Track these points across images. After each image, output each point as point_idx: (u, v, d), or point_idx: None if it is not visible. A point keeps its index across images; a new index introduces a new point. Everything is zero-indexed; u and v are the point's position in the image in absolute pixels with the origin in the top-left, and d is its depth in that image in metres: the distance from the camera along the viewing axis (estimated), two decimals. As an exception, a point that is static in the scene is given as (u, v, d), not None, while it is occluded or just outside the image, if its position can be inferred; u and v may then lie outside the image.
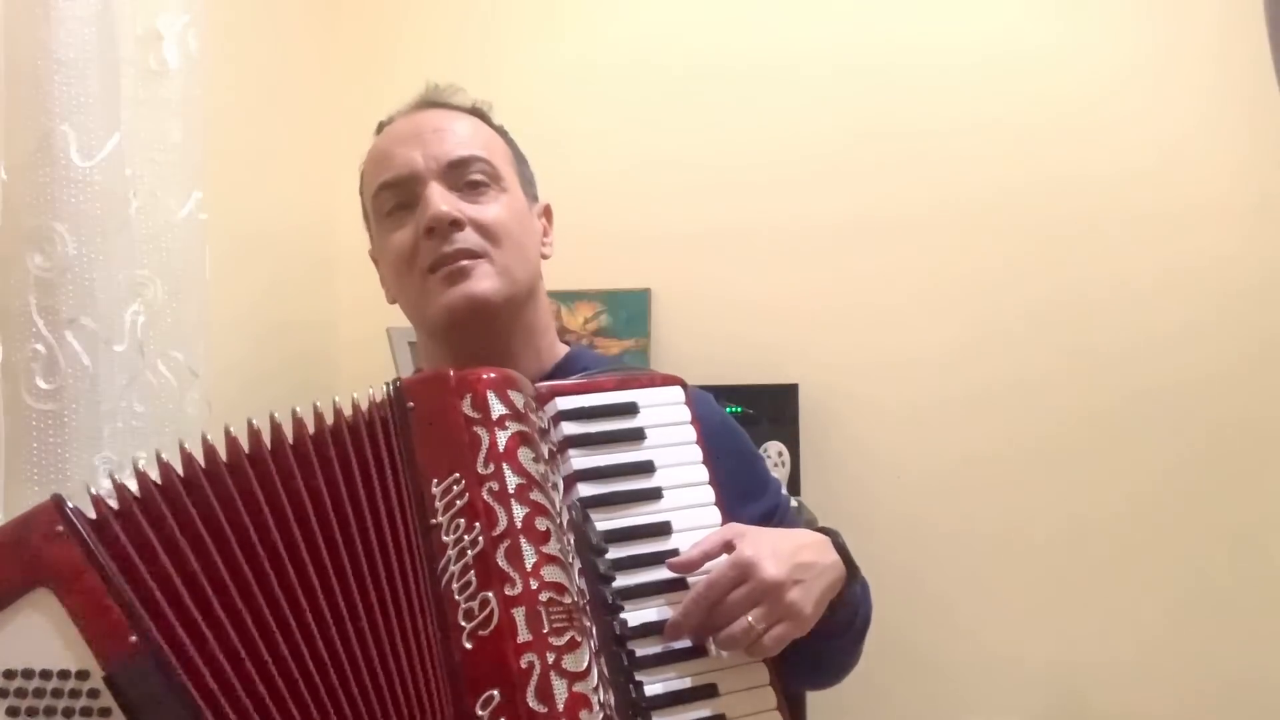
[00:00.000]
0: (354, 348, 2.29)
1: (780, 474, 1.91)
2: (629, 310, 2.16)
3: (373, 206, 1.08)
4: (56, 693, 0.69)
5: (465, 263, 1.00)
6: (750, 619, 0.83)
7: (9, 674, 0.70)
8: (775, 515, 1.04)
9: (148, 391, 1.35)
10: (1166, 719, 1.94)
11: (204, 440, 0.81)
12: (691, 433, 0.93)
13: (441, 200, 1.00)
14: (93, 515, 0.76)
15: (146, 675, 0.70)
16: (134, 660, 0.70)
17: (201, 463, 0.80)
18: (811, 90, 2.15)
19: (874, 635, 1.03)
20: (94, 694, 0.69)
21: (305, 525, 0.79)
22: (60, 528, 0.74)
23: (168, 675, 0.71)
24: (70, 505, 0.76)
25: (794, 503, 1.21)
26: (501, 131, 1.12)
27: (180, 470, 0.79)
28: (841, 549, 0.95)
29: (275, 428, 0.81)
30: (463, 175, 1.03)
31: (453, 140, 1.04)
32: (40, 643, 0.70)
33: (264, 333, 2.06)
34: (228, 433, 0.81)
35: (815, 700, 1.53)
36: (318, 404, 0.83)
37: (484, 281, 1.00)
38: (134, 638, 0.71)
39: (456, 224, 1.00)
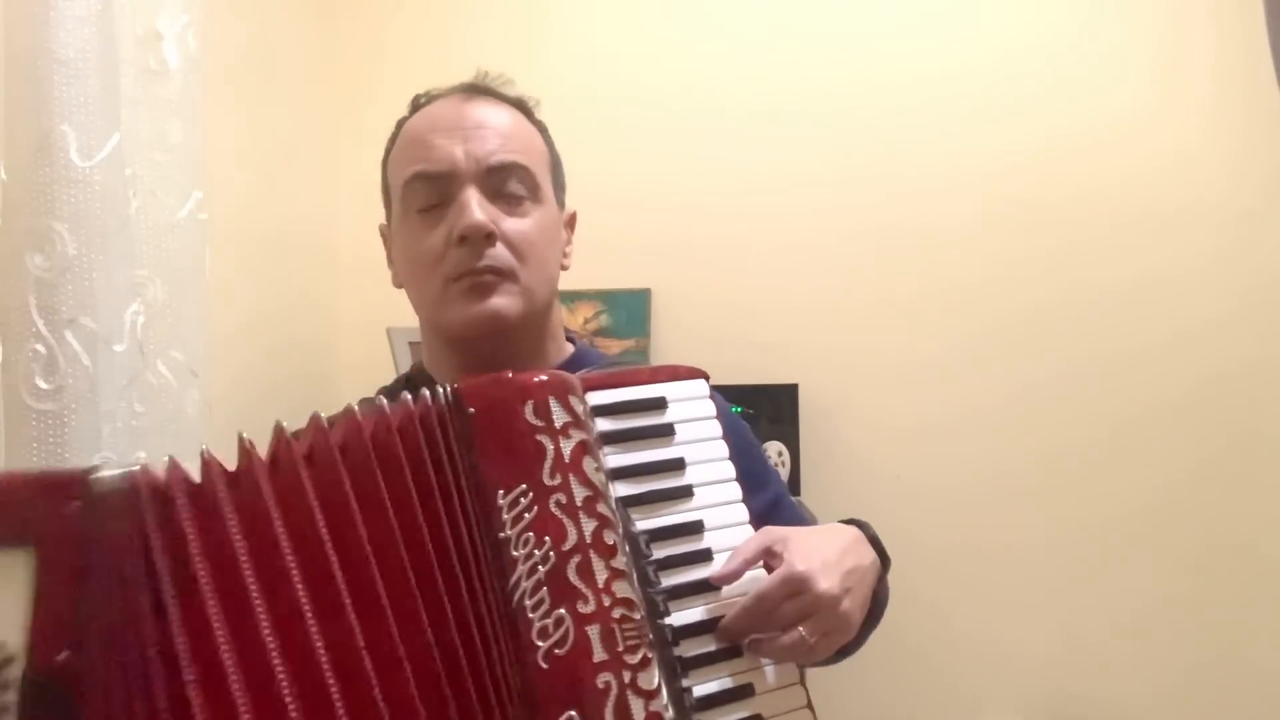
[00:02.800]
0: (354, 348, 2.29)
1: (780, 474, 1.91)
2: (629, 310, 2.16)
3: (401, 192, 1.03)
4: None
5: (490, 279, 0.98)
6: (803, 631, 0.82)
7: None
8: (778, 504, 1.04)
9: (148, 391, 1.35)
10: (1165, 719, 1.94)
11: (241, 440, 0.73)
12: (717, 428, 0.92)
13: (479, 209, 0.97)
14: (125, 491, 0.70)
15: (54, 693, 0.64)
16: (49, 674, 0.64)
17: (228, 470, 0.73)
18: (813, 91, 2.15)
19: (873, 635, 1.03)
20: (4, 686, 0.64)
21: (367, 538, 0.73)
22: (76, 503, 0.68)
23: (68, 699, 0.64)
24: (101, 485, 0.69)
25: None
26: (542, 130, 1.09)
27: (225, 469, 0.73)
28: (874, 541, 0.95)
29: (319, 430, 0.75)
30: (502, 183, 1.00)
31: (496, 141, 1.01)
32: None
33: (264, 332, 2.06)
34: (243, 441, 0.74)
35: (815, 700, 1.53)
36: (382, 399, 0.78)
37: (506, 300, 0.98)
38: (65, 654, 0.64)
39: (490, 237, 0.98)
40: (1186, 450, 1.95)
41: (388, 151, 1.08)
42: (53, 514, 0.67)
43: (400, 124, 1.08)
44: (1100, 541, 1.98)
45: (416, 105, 1.08)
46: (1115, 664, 1.95)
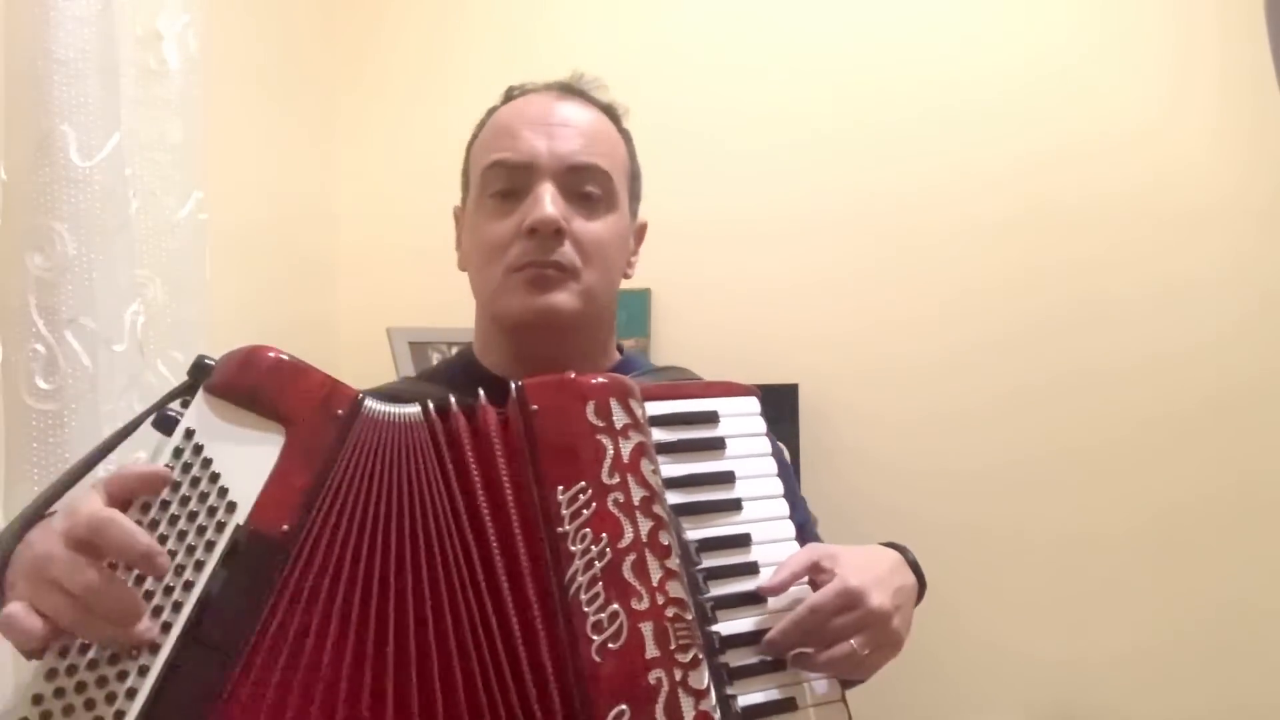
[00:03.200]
0: (354, 348, 2.29)
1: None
2: (629, 310, 2.16)
3: (480, 177, 1.03)
4: (203, 496, 0.72)
5: (552, 273, 0.98)
6: (854, 644, 0.83)
7: (198, 449, 0.73)
8: (806, 528, 1.04)
9: (148, 391, 1.35)
10: None
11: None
12: (767, 445, 0.93)
13: (552, 204, 0.97)
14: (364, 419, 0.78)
15: (263, 557, 0.72)
16: (265, 539, 0.72)
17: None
18: (815, 91, 2.15)
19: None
20: (220, 527, 0.72)
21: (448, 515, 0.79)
22: (340, 412, 0.77)
23: (272, 566, 0.72)
24: (366, 408, 0.78)
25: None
26: (627, 139, 1.09)
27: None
28: (914, 565, 0.96)
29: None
30: (579, 183, 1.00)
31: (579, 141, 1.00)
32: (241, 457, 0.74)
33: (264, 333, 2.03)
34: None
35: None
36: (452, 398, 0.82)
37: (564, 298, 0.98)
38: (285, 527, 0.73)
39: (559, 234, 0.97)
40: (1196, 456, 1.94)
41: (473, 137, 1.08)
42: (317, 411, 0.76)
43: (490, 112, 1.08)
44: (1102, 540, 1.98)
45: (509, 96, 1.08)
46: (1120, 667, 1.95)
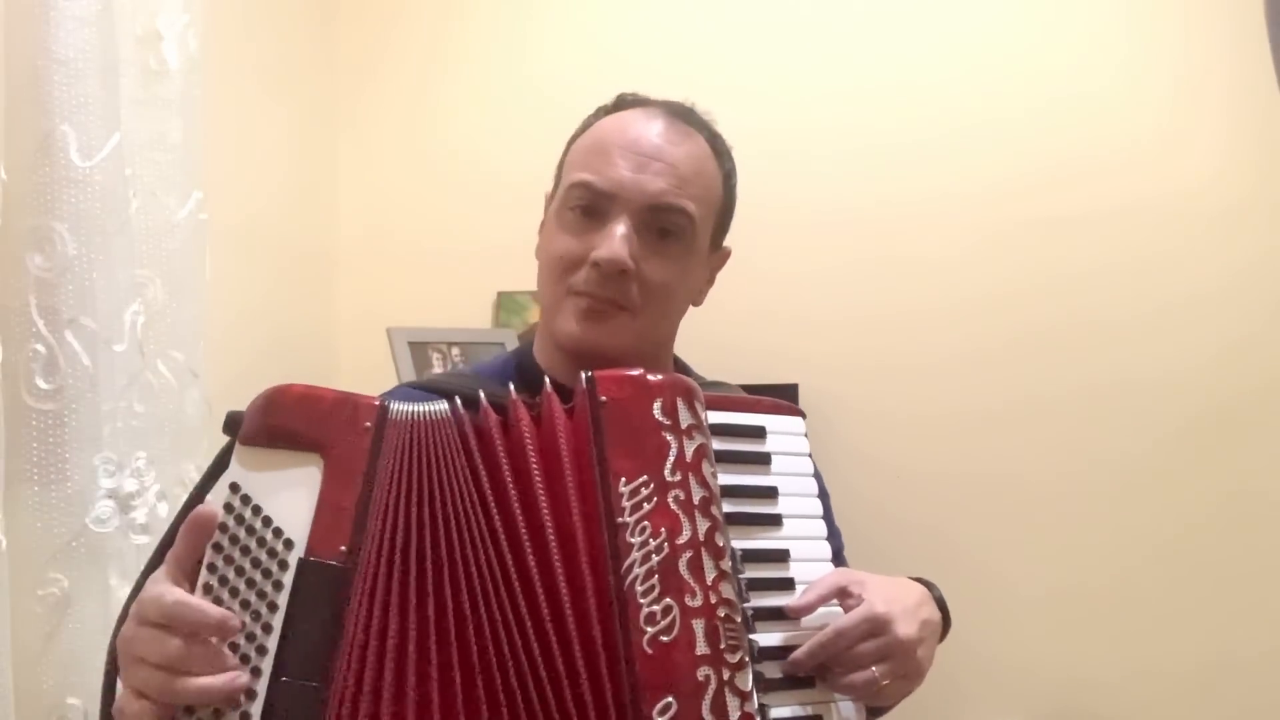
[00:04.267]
0: (354, 348, 2.29)
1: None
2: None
3: (566, 190, 1.02)
4: (261, 540, 0.75)
5: (608, 309, 0.98)
6: (875, 671, 0.84)
7: (245, 499, 0.75)
8: (840, 555, 1.04)
9: (148, 391, 1.35)
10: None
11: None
12: (809, 465, 0.93)
13: (622, 245, 0.96)
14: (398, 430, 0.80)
15: (325, 581, 0.74)
16: (326, 566, 0.75)
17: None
18: (816, 90, 2.15)
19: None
20: (283, 565, 0.74)
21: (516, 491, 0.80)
22: (368, 424, 0.79)
23: (340, 590, 0.74)
24: (393, 414, 0.80)
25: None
26: (727, 173, 1.09)
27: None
28: (940, 602, 0.96)
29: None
30: (658, 220, 0.99)
31: (669, 179, 0.99)
32: (287, 497, 0.76)
33: (264, 333, 2.06)
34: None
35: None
36: (511, 387, 0.84)
37: (617, 335, 0.98)
38: (343, 548, 0.75)
39: (625, 274, 0.97)
40: (1204, 469, 1.94)
41: (578, 132, 1.07)
42: (345, 431, 0.78)
43: (600, 111, 1.08)
44: (1103, 540, 1.98)
45: (619, 104, 1.08)
46: (1121, 662, 1.95)
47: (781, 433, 0.93)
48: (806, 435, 0.95)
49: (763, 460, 0.91)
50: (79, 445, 1.23)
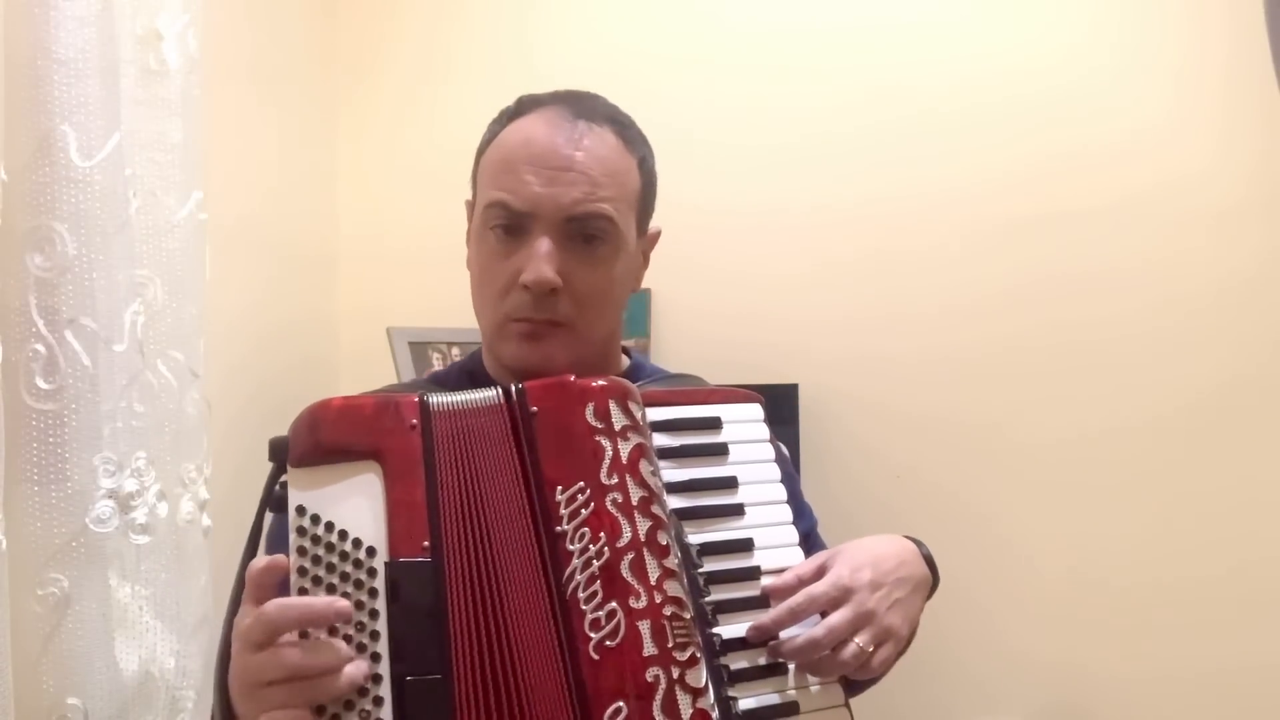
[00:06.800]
0: (354, 348, 2.29)
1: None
2: (629, 310, 2.13)
3: (483, 209, 1.01)
4: (343, 554, 0.76)
5: (545, 329, 0.98)
6: (859, 642, 0.83)
7: (315, 519, 0.77)
8: (808, 538, 1.04)
9: (148, 391, 1.35)
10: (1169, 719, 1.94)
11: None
12: (770, 451, 0.93)
13: (547, 264, 0.95)
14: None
15: (418, 578, 0.76)
16: (415, 564, 0.76)
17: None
18: (820, 91, 2.14)
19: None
20: (372, 572, 0.76)
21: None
22: (415, 422, 0.81)
23: (434, 584, 0.76)
24: (434, 406, 0.82)
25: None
26: (642, 156, 1.07)
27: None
28: (928, 559, 0.96)
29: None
30: (580, 229, 0.98)
31: (584, 187, 0.97)
32: (353, 507, 0.77)
33: (264, 333, 2.06)
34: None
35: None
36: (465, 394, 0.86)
37: (559, 352, 0.98)
38: (426, 543, 0.77)
39: (555, 292, 0.96)
40: (1205, 462, 1.94)
41: (486, 141, 1.05)
42: (394, 432, 0.80)
43: (503, 116, 1.06)
44: (1103, 540, 1.97)
45: (519, 108, 1.05)
46: (1122, 661, 1.95)
47: (738, 421, 0.93)
48: (766, 421, 0.94)
49: (720, 451, 0.91)
50: (79, 445, 1.23)
